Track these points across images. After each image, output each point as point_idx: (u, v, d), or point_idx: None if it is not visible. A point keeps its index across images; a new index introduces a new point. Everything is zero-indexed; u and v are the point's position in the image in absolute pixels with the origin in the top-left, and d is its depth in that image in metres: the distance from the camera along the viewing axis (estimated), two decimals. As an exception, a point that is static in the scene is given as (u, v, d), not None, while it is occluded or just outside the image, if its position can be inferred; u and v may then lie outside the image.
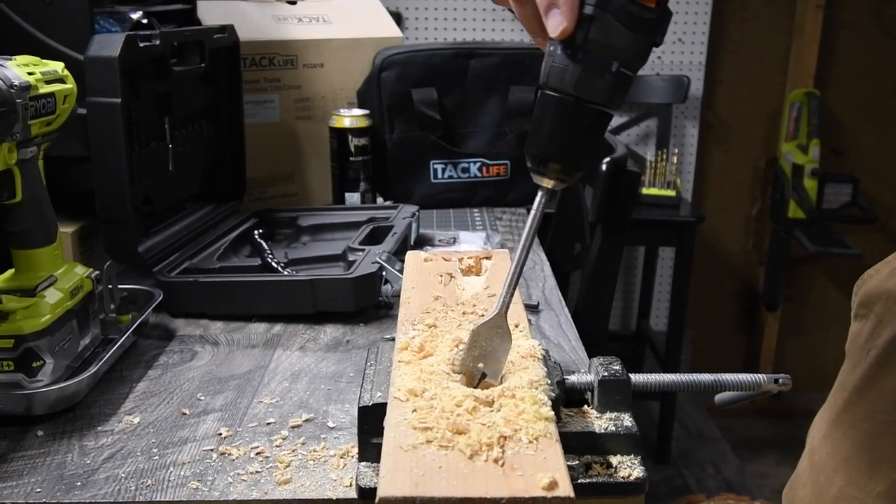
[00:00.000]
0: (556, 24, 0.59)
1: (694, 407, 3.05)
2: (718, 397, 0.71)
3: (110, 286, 0.92)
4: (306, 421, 0.77)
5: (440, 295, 0.80)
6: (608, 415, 0.65)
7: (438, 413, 0.56)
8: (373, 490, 0.58)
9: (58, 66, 0.86)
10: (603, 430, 0.64)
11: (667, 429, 2.69)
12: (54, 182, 0.90)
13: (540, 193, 0.63)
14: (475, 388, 0.61)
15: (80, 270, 0.89)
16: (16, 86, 0.76)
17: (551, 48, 0.60)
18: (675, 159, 2.65)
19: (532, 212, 0.64)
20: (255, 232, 1.26)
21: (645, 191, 2.59)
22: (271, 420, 0.77)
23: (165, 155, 1.17)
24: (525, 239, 0.63)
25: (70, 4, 1.06)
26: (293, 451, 0.72)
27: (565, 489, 0.49)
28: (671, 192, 2.60)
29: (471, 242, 1.32)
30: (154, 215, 1.15)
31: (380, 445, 0.55)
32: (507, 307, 0.64)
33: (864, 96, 2.91)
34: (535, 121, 0.62)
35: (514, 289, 0.64)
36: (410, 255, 0.92)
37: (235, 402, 0.82)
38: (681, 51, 2.82)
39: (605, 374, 0.66)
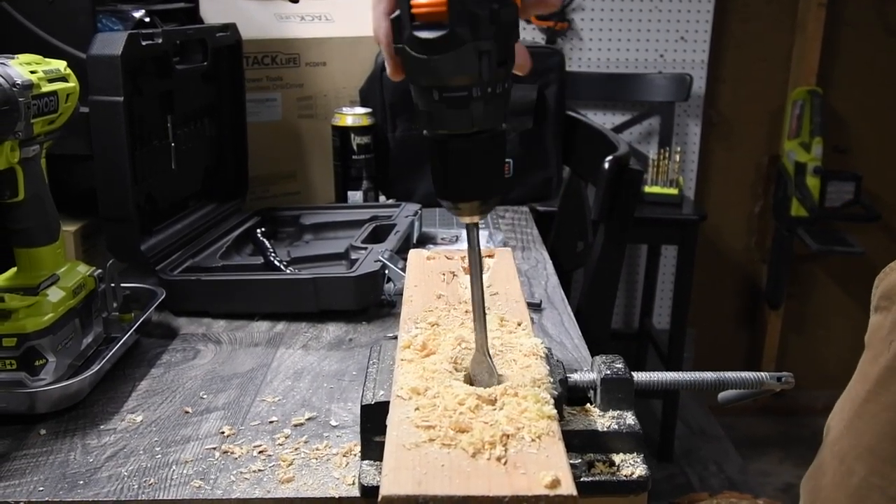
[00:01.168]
0: (389, 72, 0.60)
1: (696, 405, 3.05)
2: (722, 395, 0.71)
3: (113, 285, 0.92)
4: (309, 419, 0.77)
5: (442, 293, 0.81)
6: (611, 413, 0.65)
7: (441, 411, 0.56)
8: (375, 488, 0.58)
9: (60, 65, 0.86)
10: (606, 429, 0.64)
11: (669, 427, 2.69)
12: (57, 180, 0.90)
13: (469, 230, 0.62)
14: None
15: (83, 269, 0.89)
16: (18, 84, 0.76)
17: (413, 94, 0.58)
18: (677, 157, 2.65)
19: (470, 248, 0.62)
20: (258, 230, 1.26)
21: (647, 189, 2.59)
22: (274, 418, 0.77)
23: (168, 153, 1.17)
24: (474, 276, 0.62)
25: (72, 3, 1.06)
26: (296, 449, 0.72)
27: (568, 487, 0.49)
28: (674, 191, 2.59)
29: (473, 241, 1.32)
30: (156, 214, 1.15)
31: (382, 444, 0.55)
32: (484, 344, 0.63)
33: (867, 94, 2.90)
34: (432, 170, 0.60)
35: (483, 324, 0.63)
36: (413, 254, 0.92)
37: (238, 400, 0.82)
38: (683, 49, 2.82)
39: (608, 372, 0.66)
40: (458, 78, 0.54)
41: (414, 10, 0.53)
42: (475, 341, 0.64)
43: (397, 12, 0.55)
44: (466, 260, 0.89)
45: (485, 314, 0.63)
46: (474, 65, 0.54)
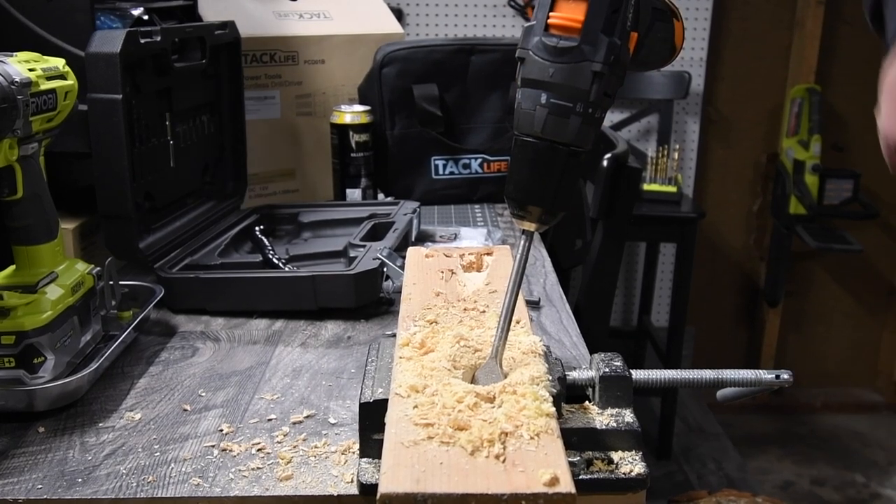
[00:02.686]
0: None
1: (695, 402, 3.05)
2: (720, 393, 0.71)
3: (111, 282, 0.92)
4: (307, 417, 0.77)
5: (441, 291, 0.81)
6: (609, 411, 0.66)
7: (440, 409, 0.56)
8: (374, 486, 0.58)
9: (59, 63, 0.86)
10: (604, 426, 0.64)
11: (668, 424, 2.69)
12: (55, 178, 0.90)
13: (524, 237, 0.64)
14: None
15: (82, 266, 0.89)
16: (17, 82, 0.76)
17: (518, 96, 0.62)
18: (676, 155, 2.65)
19: (518, 256, 0.64)
20: (257, 228, 1.25)
21: (646, 187, 2.59)
22: (272, 416, 0.77)
23: (166, 151, 1.17)
24: (512, 283, 0.64)
25: (71, 1, 1.06)
26: (294, 447, 0.72)
27: (566, 485, 0.49)
28: (672, 188, 2.60)
29: (472, 238, 1.32)
30: (155, 211, 1.15)
31: (381, 442, 0.55)
32: (501, 353, 0.65)
33: (866, 92, 2.88)
34: (511, 165, 0.63)
35: (507, 334, 0.65)
36: (412, 252, 0.92)
37: (236, 398, 0.82)
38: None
39: (607, 370, 0.66)
40: (569, 89, 0.59)
41: (550, 21, 0.60)
42: (493, 348, 0.64)
43: (532, 22, 0.61)
44: (465, 258, 0.89)
45: (510, 324, 0.64)
46: (587, 82, 0.59)
